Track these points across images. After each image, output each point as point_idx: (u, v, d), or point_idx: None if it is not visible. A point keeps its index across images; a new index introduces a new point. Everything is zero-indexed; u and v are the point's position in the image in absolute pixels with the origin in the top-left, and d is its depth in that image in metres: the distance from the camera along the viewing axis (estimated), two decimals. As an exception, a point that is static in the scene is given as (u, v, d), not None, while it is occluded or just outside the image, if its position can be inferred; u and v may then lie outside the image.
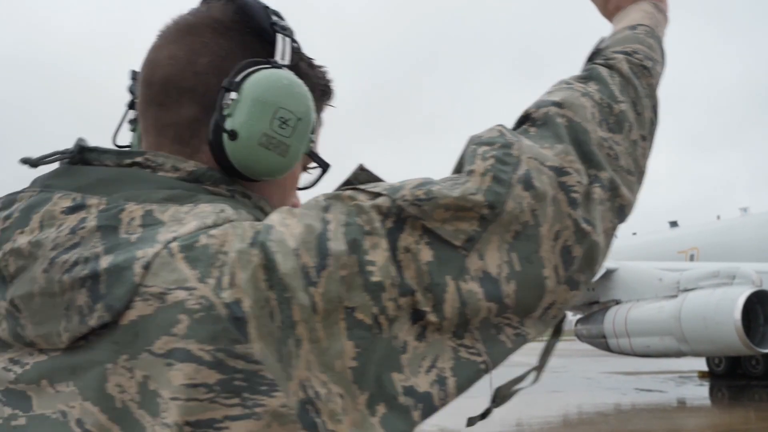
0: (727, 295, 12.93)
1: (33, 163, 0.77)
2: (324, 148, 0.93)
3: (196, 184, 0.76)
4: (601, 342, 15.77)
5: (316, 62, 0.89)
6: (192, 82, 0.80)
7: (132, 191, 0.71)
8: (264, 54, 0.80)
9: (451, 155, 0.79)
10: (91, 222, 0.68)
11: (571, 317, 17.88)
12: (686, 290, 14.05)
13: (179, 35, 0.82)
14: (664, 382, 17.43)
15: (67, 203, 0.70)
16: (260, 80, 0.77)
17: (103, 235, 0.67)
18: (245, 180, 0.80)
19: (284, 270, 0.62)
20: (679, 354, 14.12)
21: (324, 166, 0.88)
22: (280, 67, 0.79)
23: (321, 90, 0.89)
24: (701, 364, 19.49)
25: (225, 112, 0.76)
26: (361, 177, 0.77)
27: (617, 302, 15.59)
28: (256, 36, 0.82)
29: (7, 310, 0.69)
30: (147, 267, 0.63)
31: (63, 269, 0.65)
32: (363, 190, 0.70)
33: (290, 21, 0.85)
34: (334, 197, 0.69)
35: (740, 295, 12.63)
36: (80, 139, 0.77)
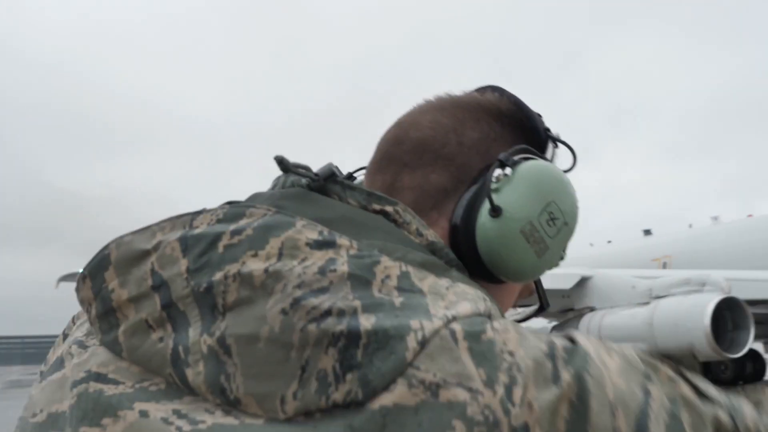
0: (697, 301, 13.33)
1: (286, 168, 0.68)
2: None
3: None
4: (572, 349, 16.11)
5: None
6: (453, 151, 0.73)
7: (383, 243, 0.60)
8: (522, 142, 0.76)
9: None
10: (342, 266, 0.56)
11: (547, 324, 18.22)
12: (658, 297, 14.44)
13: (448, 107, 0.77)
14: (637, 387, 17.80)
15: (314, 236, 0.58)
16: (539, 167, 0.71)
17: (353, 286, 0.55)
18: (476, 274, 0.69)
19: (595, 421, 0.51)
20: (650, 359, 14.51)
21: (545, 305, 0.79)
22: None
23: None
24: (673, 370, 19.93)
25: (492, 186, 0.69)
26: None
27: (591, 309, 15.92)
28: (529, 135, 0.78)
29: (210, 350, 0.54)
30: (423, 344, 0.52)
31: (309, 316, 0.53)
32: (686, 378, 0.59)
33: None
34: (651, 366, 0.59)
35: (709, 302, 13.01)
36: (331, 164, 0.70)
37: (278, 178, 0.72)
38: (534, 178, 0.70)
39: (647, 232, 25.95)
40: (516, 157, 0.71)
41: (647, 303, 14.53)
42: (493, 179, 0.69)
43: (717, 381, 18.26)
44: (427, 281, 0.58)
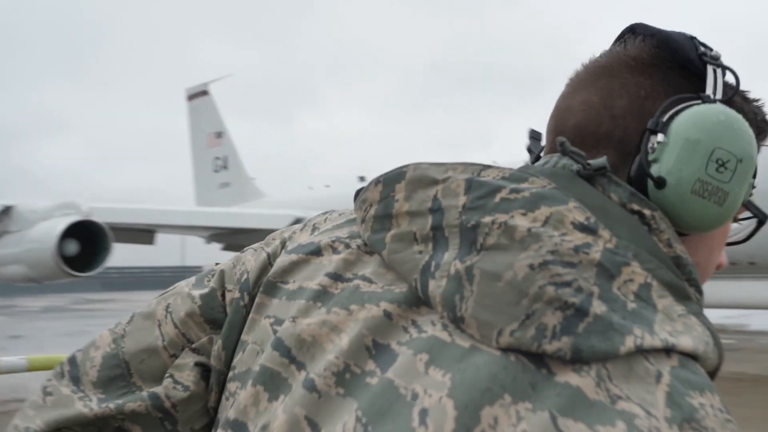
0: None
1: (565, 151, 0.69)
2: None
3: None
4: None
5: (752, 95, 0.79)
6: (609, 128, 0.73)
7: (639, 249, 0.63)
8: (692, 90, 0.73)
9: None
10: (595, 254, 0.60)
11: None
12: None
13: (592, 79, 0.77)
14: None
15: (581, 218, 0.63)
16: (691, 118, 0.69)
17: (598, 274, 0.60)
18: None
19: None
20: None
21: (762, 218, 0.76)
22: (713, 101, 0.71)
23: (758, 127, 0.77)
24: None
25: (650, 158, 0.70)
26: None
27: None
28: (683, 70, 0.75)
29: (457, 273, 0.62)
30: (639, 351, 0.57)
31: (551, 279, 0.58)
32: None
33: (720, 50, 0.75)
34: None
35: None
36: (605, 159, 0.69)
37: (550, 157, 0.75)
38: (689, 132, 0.69)
39: (362, 179, 27.25)
40: (666, 117, 0.70)
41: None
42: (650, 149, 0.70)
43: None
44: (663, 301, 0.61)
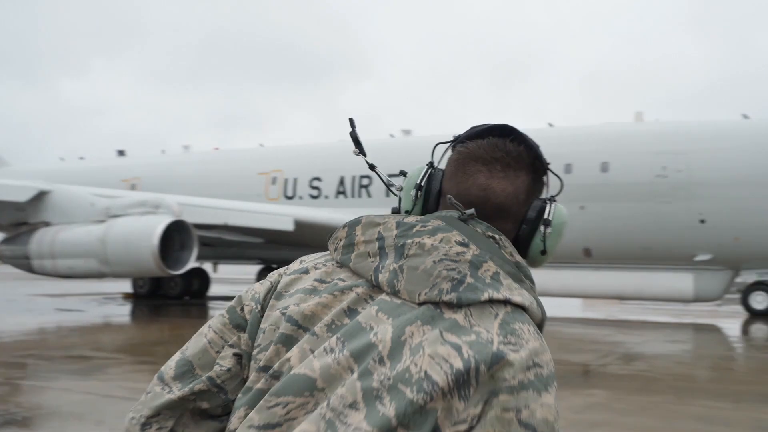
0: (148, 222, 14.10)
1: (463, 218, 1.25)
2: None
3: (519, 272, 1.22)
4: (24, 263, 15.48)
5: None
6: (515, 210, 1.29)
7: (492, 254, 1.18)
8: (538, 188, 1.34)
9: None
10: (468, 256, 1.16)
11: (-4, 237, 17.03)
12: (115, 216, 14.79)
13: (506, 171, 1.29)
14: (88, 303, 18.04)
15: (459, 239, 1.18)
16: (559, 216, 1.31)
17: (470, 266, 1.15)
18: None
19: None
20: (101, 275, 14.84)
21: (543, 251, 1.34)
22: (554, 200, 1.33)
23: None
24: (127, 287, 20.69)
25: (540, 236, 1.30)
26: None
27: (47, 224, 15.49)
28: (540, 175, 1.34)
29: (394, 270, 1.17)
30: (489, 302, 1.13)
31: (446, 267, 1.14)
32: None
33: None
34: None
35: (159, 223, 13.92)
36: (471, 214, 1.24)
37: (443, 211, 1.29)
38: (559, 227, 1.31)
39: (121, 153, 26.11)
40: (550, 215, 1.31)
41: (103, 221, 14.76)
42: (546, 234, 1.30)
43: (168, 296, 19.62)
44: (507, 281, 1.16)
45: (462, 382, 1.03)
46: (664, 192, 16.03)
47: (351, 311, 1.17)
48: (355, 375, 1.06)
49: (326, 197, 20.13)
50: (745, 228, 15.48)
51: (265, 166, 21.42)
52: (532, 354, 1.07)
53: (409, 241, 1.18)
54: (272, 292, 1.29)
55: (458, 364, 1.03)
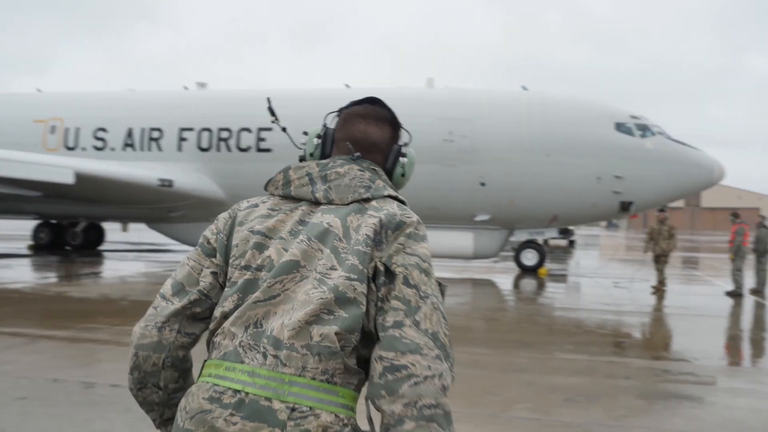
0: None
1: (353, 158, 1.87)
2: None
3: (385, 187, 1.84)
4: None
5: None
6: (383, 147, 1.93)
7: (377, 176, 1.84)
8: (396, 136, 1.98)
9: None
10: (367, 176, 1.81)
11: None
12: None
13: (377, 122, 1.93)
14: None
15: (358, 168, 1.82)
16: (410, 154, 1.98)
17: (370, 180, 1.80)
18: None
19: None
20: None
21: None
22: (407, 146, 2.00)
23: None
24: None
25: (400, 165, 1.95)
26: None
27: None
28: (397, 129, 1.97)
29: (325, 190, 1.77)
30: (388, 196, 1.80)
31: (358, 181, 1.79)
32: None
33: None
34: None
35: None
36: (358, 156, 1.87)
37: (340, 155, 1.88)
38: (411, 159, 1.97)
39: None
40: (404, 150, 1.96)
41: None
42: (402, 162, 1.95)
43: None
44: (390, 190, 1.84)
45: (379, 232, 1.69)
46: (451, 156, 16.96)
47: (302, 221, 1.77)
48: (328, 250, 1.68)
49: (112, 149, 19.00)
50: (518, 191, 16.84)
51: (43, 113, 19.76)
52: (417, 221, 1.75)
53: (329, 171, 1.82)
54: (233, 223, 1.82)
55: (378, 222, 1.70)
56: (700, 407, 5.69)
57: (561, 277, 17.67)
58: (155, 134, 18.82)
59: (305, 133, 2.00)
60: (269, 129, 17.99)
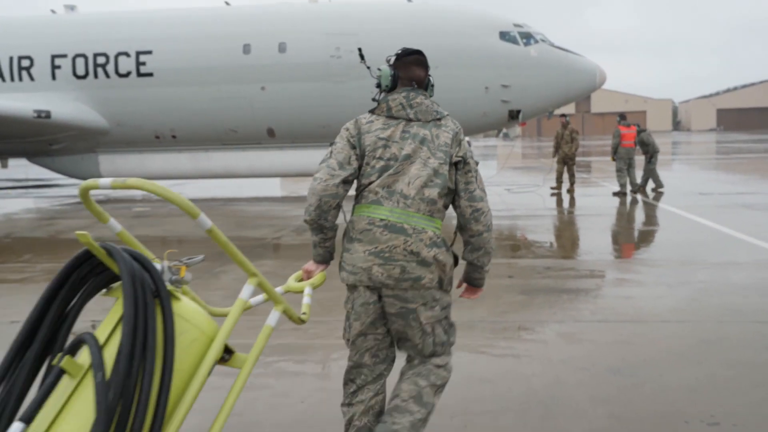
0: None
1: (415, 90, 3.03)
2: None
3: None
4: None
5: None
6: (424, 80, 3.04)
7: (433, 102, 3.05)
8: (428, 71, 3.09)
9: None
10: (429, 101, 3.01)
11: None
12: None
13: (422, 66, 3.03)
14: None
15: (424, 97, 3.01)
16: (433, 79, 3.15)
17: (434, 105, 3.02)
18: None
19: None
20: None
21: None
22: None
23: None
24: None
25: (431, 90, 3.09)
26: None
27: None
28: (427, 68, 3.08)
29: (414, 111, 2.96)
30: (448, 116, 3.07)
31: (430, 105, 3.00)
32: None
33: None
34: None
35: None
36: (418, 88, 3.03)
37: (406, 88, 3.02)
38: (433, 82, 3.16)
39: None
40: (431, 82, 3.11)
41: None
42: (431, 85, 3.12)
43: None
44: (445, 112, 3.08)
45: (453, 138, 2.93)
46: (339, 72, 16.74)
47: (405, 131, 2.90)
48: (425, 148, 2.86)
49: (-22, 82, 17.69)
50: (410, 105, 16.87)
51: None
52: (461, 129, 3.01)
53: (412, 101, 2.94)
54: (360, 131, 2.91)
55: (452, 133, 2.94)
56: (577, 298, 6.06)
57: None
58: (25, 63, 17.60)
59: (379, 69, 3.05)
60: (149, 52, 17.16)
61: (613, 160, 15.58)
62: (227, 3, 18.63)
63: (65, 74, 17.52)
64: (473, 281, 3.12)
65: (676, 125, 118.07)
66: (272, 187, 19.89)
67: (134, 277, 2.06)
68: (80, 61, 17.44)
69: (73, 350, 2.02)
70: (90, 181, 2.21)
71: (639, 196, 14.68)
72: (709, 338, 4.73)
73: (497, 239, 9.56)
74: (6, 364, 2.04)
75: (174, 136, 17.76)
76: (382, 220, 2.80)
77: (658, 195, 14.68)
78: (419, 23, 16.96)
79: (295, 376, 4.19)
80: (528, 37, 16.97)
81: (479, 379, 4.04)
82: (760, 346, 4.54)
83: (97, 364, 1.89)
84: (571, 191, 15.52)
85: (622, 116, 16.35)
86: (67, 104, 17.43)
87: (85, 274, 2.25)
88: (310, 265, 3.15)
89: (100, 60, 17.37)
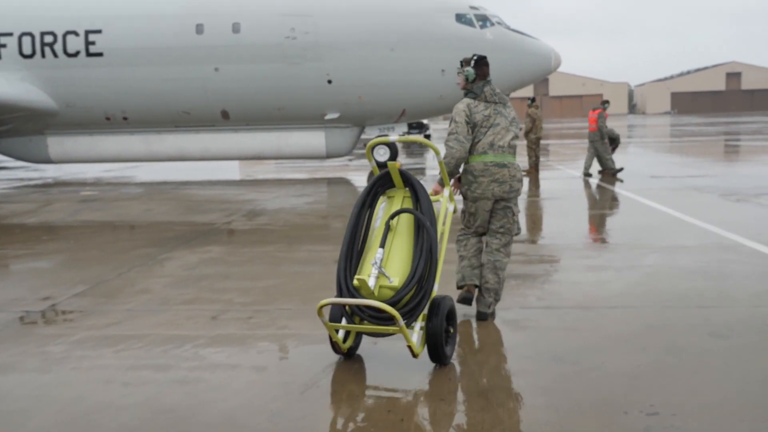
0: None
1: (490, 82, 5.15)
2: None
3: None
4: None
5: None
6: (488, 75, 5.10)
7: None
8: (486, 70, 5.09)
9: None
10: (499, 91, 5.11)
11: None
12: None
13: (488, 64, 5.02)
14: None
15: (498, 89, 5.11)
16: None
17: (503, 93, 5.14)
18: None
19: None
20: None
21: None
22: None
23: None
24: None
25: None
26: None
27: None
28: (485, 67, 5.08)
29: (499, 99, 5.06)
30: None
31: (504, 96, 5.11)
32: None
33: None
34: None
35: None
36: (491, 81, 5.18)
37: (485, 80, 5.08)
38: None
39: None
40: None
41: None
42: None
43: None
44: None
45: (514, 114, 5.08)
46: (294, 54, 16.48)
47: (496, 111, 4.94)
48: (506, 119, 4.99)
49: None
50: (366, 87, 16.73)
51: None
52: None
53: (496, 91, 4.99)
54: (469, 111, 4.88)
55: (513, 111, 5.07)
56: (524, 284, 6.03)
57: (418, 171, 18.01)
58: (-12, 41, 16.96)
59: (466, 70, 4.94)
60: (98, 31, 16.66)
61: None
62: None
63: (11, 53, 16.94)
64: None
65: (632, 108, 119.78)
66: (230, 171, 19.58)
67: (417, 185, 4.19)
68: (27, 40, 16.88)
69: (392, 217, 4.09)
70: (379, 138, 4.45)
71: (593, 179, 14.80)
72: (654, 324, 4.73)
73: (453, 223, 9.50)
74: (354, 221, 4.12)
75: (125, 118, 17.35)
76: (491, 161, 4.88)
77: (606, 177, 14.82)
78: (376, 4, 16.77)
79: (231, 369, 4.07)
80: (484, 20, 16.90)
81: (410, 369, 3.97)
82: (702, 332, 4.55)
83: (422, 220, 4.01)
84: (529, 173, 15.67)
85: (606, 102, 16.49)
86: (13, 85, 16.86)
87: (382, 183, 4.28)
88: (437, 186, 4.83)
89: (48, 39, 16.83)
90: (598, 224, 9.61)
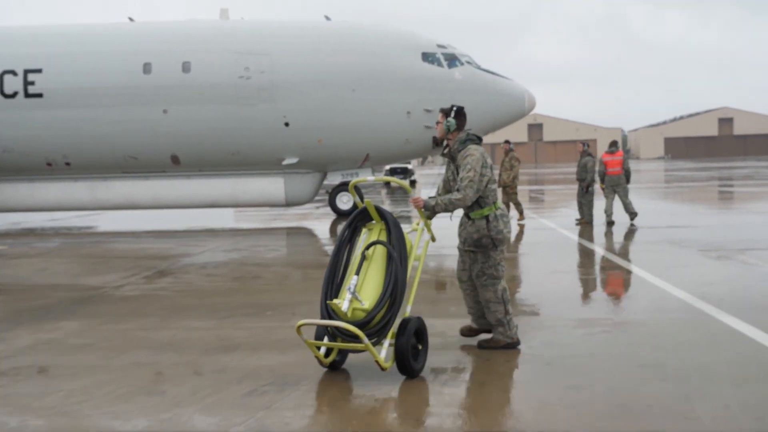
0: None
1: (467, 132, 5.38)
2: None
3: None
4: None
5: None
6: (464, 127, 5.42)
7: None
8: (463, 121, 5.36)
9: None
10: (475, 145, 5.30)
11: None
12: None
13: (465, 114, 5.36)
14: None
15: (469, 134, 5.38)
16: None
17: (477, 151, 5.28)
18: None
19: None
20: None
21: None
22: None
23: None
24: None
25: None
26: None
27: None
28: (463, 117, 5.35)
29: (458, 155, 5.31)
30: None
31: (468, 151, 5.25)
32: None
33: None
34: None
35: None
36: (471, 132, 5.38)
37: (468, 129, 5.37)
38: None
39: None
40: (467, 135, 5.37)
41: None
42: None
43: None
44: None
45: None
46: (248, 94, 15.41)
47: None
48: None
49: None
50: (326, 130, 15.61)
51: None
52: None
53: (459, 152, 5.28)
54: (484, 156, 5.16)
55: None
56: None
57: (405, 219, 16.67)
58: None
59: (448, 121, 5.17)
60: (38, 70, 15.57)
61: (603, 188, 14.34)
62: (131, 20, 17.19)
63: (-56, 93, 15.83)
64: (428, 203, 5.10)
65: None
66: (182, 220, 18.20)
67: (390, 219, 4.71)
68: (-38, 80, 15.76)
69: (368, 248, 4.59)
70: (360, 178, 5.20)
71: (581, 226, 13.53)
72: None
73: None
74: (336, 251, 4.73)
75: (68, 163, 16.15)
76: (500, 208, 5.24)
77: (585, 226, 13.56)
78: (336, 42, 15.75)
79: None
80: (452, 59, 15.88)
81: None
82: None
83: (390, 251, 4.52)
84: (519, 220, 14.47)
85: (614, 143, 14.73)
86: (-51, 128, 15.71)
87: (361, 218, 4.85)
88: (419, 201, 5.01)
89: (-15, 79, 15.70)
90: (542, 291, 8.29)
